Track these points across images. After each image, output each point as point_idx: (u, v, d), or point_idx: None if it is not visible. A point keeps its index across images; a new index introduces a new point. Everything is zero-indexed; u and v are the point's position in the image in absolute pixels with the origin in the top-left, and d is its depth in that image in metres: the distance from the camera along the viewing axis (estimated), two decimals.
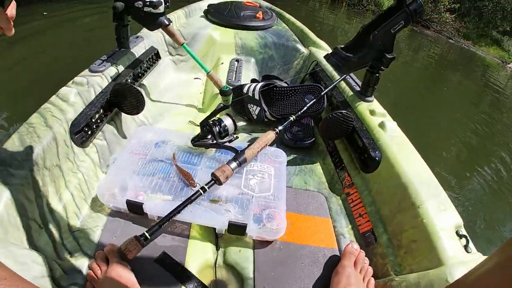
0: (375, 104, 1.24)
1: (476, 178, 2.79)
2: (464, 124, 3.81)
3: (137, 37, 1.56)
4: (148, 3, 1.18)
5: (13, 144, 0.81)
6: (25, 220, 0.75)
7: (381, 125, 1.10)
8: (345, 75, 1.40)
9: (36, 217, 0.79)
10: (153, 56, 1.59)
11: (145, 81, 1.50)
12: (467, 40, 10.09)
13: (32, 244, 0.75)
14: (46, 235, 0.79)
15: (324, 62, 1.63)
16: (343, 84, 1.40)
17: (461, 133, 3.54)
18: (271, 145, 1.08)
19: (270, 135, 1.05)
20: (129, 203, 0.89)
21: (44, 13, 3.93)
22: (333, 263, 0.88)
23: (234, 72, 1.64)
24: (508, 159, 3.22)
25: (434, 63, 6.71)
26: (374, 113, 1.17)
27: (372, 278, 0.83)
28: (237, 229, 0.88)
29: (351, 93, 1.32)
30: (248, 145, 1.02)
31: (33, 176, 0.80)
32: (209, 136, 1.08)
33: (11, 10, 0.58)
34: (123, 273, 0.74)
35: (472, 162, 3.07)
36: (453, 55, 8.50)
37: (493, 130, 3.95)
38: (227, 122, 1.11)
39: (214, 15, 2.03)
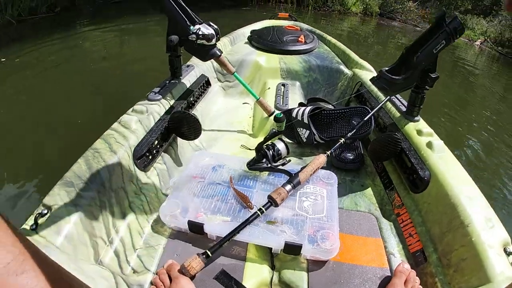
0: (422, 124, 1.25)
1: None
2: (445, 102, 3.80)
3: (188, 66, 1.67)
4: (201, 36, 1.27)
5: (80, 167, 0.90)
6: (92, 237, 0.82)
7: (429, 144, 1.11)
8: (390, 96, 1.42)
9: (103, 235, 0.86)
10: (204, 84, 1.69)
11: (198, 107, 1.60)
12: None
13: (98, 260, 0.82)
14: (112, 251, 0.87)
15: (369, 82, 1.65)
16: (389, 104, 1.42)
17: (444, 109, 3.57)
18: (322, 167, 1.12)
19: (322, 158, 1.09)
20: (191, 223, 0.95)
21: (2, 60, 3.60)
22: (384, 283, 0.90)
23: (282, 97, 1.70)
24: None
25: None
26: (421, 133, 1.18)
27: None
28: (292, 249, 0.91)
29: (398, 113, 1.34)
30: (301, 168, 1.07)
31: (100, 197, 0.88)
32: (263, 160, 1.14)
33: None
34: (187, 285, 0.79)
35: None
36: None
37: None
38: (280, 146, 1.16)
39: (258, 41, 2.12)
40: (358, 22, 8.56)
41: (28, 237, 0.67)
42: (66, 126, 2.49)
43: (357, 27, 7.88)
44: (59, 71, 3.46)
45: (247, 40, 2.23)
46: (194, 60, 1.76)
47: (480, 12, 10.71)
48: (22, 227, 0.74)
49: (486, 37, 9.15)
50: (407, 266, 0.90)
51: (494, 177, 2.69)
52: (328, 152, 1.12)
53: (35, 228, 0.74)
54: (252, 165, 1.14)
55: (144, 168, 1.09)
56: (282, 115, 1.06)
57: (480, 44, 9.05)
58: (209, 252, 0.85)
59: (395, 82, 1.15)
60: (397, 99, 1.42)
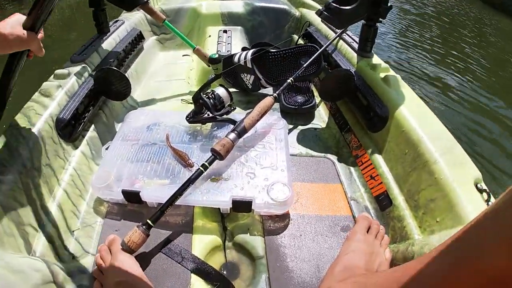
0: (376, 59, 1.17)
1: None
2: None
3: (117, 21, 1.51)
4: None
5: None
6: (20, 226, 0.71)
7: (385, 79, 1.03)
8: (341, 31, 1.33)
9: (32, 221, 0.75)
10: (136, 38, 1.52)
11: (131, 64, 1.44)
12: None
13: (31, 251, 0.72)
14: (45, 238, 0.76)
15: (318, 21, 1.55)
16: (340, 42, 1.33)
17: None
18: (270, 113, 1.01)
19: (268, 100, 0.98)
20: (125, 192, 0.83)
21: None
22: (347, 230, 0.83)
23: (224, 44, 1.56)
24: None
25: None
26: (376, 68, 1.10)
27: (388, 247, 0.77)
28: (242, 206, 0.82)
29: (350, 50, 1.25)
30: (246, 115, 0.95)
31: (23, 179, 0.76)
32: (203, 111, 1.02)
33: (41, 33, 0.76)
34: (126, 261, 0.69)
35: None
36: None
37: None
38: (220, 91, 1.04)
39: None
40: None
41: None
42: None
43: None
44: None
45: None
46: (124, 15, 1.59)
47: None
48: None
49: None
50: (368, 215, 0.84)
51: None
52: (275, 94, 1.01)
53: None
54: (191, 117, 1.02)
55: (70, 138, 0.95)
56: (217, 55, 0.92)
57: None
58: (150, 222, 0.73)
59: (343, 13, 1.05)
60: (348, 36, 1.33)
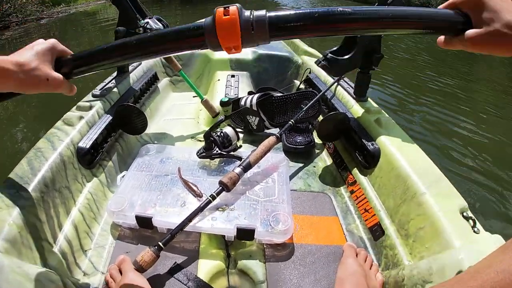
0: (370, 103, 1.27)
1: None
2: None
3: None
4: (149, 30, 1.23)
5: (22, 168, 0.84)
6: (37, 240, 0.76)
7: (377, 121, 1.12)
8: (338, 78, 1.44)
9: (49, 237, 0.81)
10: (152, 78, 1.64)
11: (145, 102, 1.55)
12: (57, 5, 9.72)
13: (46, 264, 0.77)
14: (59, 254, 0.81)
15: (318, 69, 1.67)
16: (338, 88, 1.44)
17: None
18: (273, 152, 1.10)
19: (271, 139, 1.08)
20: (139, 217, 0.90)
21: None
22: None
23: (232, 87, 1.68)
24: None
25: None
26: (369, 111, 1.20)
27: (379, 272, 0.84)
28: (245, 234, 0.89)
29: (346, 95, 1.36)
30: (251, 152, 1.05)
31: (44, 197, 0.82)
32: (213, 147, 1.11)
33: None
34: (137, 280, 0.75)
35: None
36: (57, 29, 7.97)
37: None
38: (229, 131, 1.14)
39: None
40: None
41: None
42: None
43: None
44: None
45: None
46: None
47: None
48: None
49: None
50: (353, 244, 0.91)
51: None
52: (278, 134, 1.11)
53: None
54: (202, 153, 1.11)
55: (89, 165, 1.03)
56: (227, 99, 1.03)
57: None
58: (161, 244, 0.81)
59: (338, 63, 1.16)
60: (345, 82, 1.44)
